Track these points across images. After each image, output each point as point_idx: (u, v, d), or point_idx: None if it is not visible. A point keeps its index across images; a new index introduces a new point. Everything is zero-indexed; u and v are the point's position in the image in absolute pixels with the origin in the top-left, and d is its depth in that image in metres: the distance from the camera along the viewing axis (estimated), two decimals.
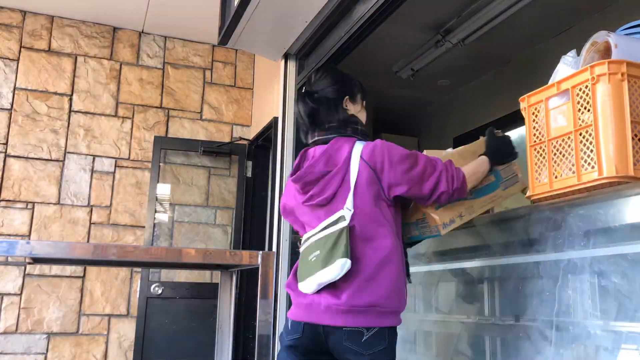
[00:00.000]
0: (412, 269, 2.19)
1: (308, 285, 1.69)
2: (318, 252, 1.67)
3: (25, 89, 4.08)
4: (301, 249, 1.80)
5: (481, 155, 1.85)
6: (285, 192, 1.94)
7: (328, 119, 1.79)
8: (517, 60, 4.48)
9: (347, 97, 1.85)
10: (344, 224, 1.64)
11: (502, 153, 1.88)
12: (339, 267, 1.58)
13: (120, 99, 4.30)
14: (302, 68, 3.61)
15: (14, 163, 3.97)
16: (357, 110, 1.88)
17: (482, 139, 1.93)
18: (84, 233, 4.04)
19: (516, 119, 3.19)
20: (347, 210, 1.66)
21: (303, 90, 1.88)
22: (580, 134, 1.49)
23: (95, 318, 3.97)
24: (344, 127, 1.79)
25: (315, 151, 1.81)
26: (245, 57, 4.69)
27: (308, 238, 1.75)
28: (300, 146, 3.53)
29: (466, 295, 1.88)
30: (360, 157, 1.70)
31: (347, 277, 1.60)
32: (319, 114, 1.80)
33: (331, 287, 1.64)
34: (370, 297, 1.60)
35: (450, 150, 2.02)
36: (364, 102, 1.93)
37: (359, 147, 1.72)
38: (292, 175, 1.82)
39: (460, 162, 1.79)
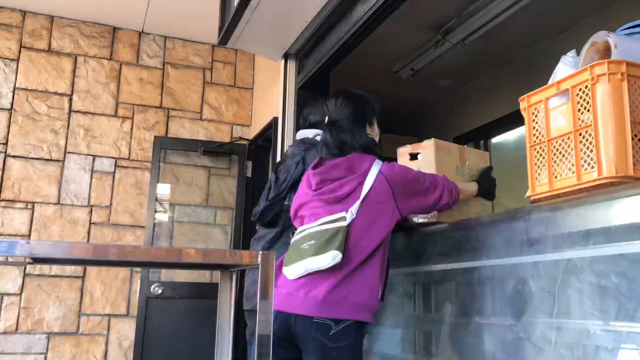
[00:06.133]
0: (412, 269, 2.19)
1: (294, 269, 1.79)
2: (313, 241, 1.78)
3: (25, 89, 4.08)
4: (293, 240, 1.90)
5: (474, 181, 2.16)
6: (295, 195, 2.06)
7: (353, 145, 1.94)
8: (517, 60, 4.48)
9: (366, 123, 2.02)
10: (343, 223, 1.76)
11: (489, 191, 2.20)
12: (331, 257, 1.70)
13: (120, 99, 4.30)
14: (302, 68, 3.61)
15: (14, 163, 3.97)
16: (374, 132, 2.06)
17: (484, 166, 2.24)
18: (84, 233, 4.04)
19: (516, 119, 3.19)
20: (350, 214, 1.78)
21: (326, 121, 2.00)
22: (580, 134, 1.49)
23: (95, 318, 3.97)
24: (365, 150, 1.95)
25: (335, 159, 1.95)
26: (245, 57, 4.69)
27: (303, 230, 1.86)
28: None
29: (466, 295, 1.89)
30: (380, 171, 1.84)
31: (330, 271, 1.72)
32: (346, 144, 1.94)
33: (312, 279, 1.75)
34: (346, 291, 1.72)
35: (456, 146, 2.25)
36: (377, 121, 2.10)
37: (378, 163, 1.89)
38: (312, 168, 1.97)
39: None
